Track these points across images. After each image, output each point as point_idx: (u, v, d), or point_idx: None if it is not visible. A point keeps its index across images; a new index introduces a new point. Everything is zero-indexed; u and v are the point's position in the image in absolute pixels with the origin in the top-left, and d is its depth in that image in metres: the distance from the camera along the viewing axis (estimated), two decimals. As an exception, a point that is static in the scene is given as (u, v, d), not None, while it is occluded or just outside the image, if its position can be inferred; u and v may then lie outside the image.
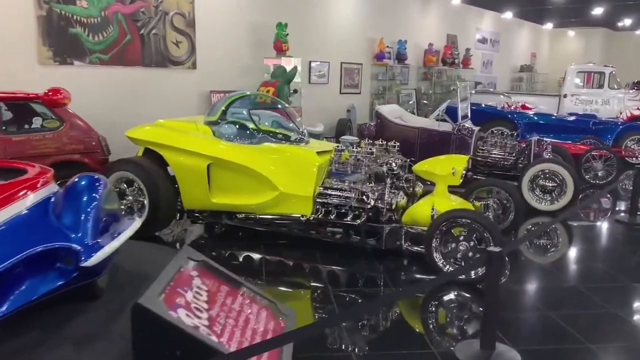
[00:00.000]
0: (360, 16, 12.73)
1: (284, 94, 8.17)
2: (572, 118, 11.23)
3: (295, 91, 9.36)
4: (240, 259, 4.88)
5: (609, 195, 8.02)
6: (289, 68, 9.02)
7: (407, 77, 14.64)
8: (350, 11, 12.39)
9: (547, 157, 7.09)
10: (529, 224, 6.31)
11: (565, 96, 13.39)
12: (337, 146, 5.17)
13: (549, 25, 21.82)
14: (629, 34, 23.52)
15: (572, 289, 4.43)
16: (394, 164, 4.86)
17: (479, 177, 7.30)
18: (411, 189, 5.05)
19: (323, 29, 11.71)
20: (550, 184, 6.64)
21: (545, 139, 8.07)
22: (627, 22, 19.28)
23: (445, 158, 5.09)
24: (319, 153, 5.05)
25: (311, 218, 4.84)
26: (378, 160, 4.91)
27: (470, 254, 4.23)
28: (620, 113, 12.84)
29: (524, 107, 13.82)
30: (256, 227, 5.12)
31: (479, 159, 7.40)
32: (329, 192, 4.82)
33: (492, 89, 14.66)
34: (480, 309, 3.80)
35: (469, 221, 4.16)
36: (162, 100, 8.59)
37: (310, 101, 11.48)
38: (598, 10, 16.26)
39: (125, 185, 5.13)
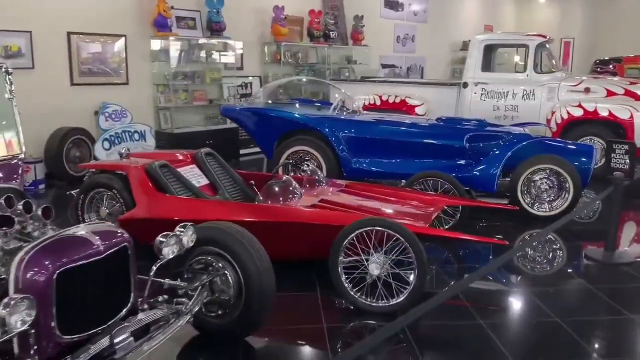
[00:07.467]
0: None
1: None
2: (436, 126, 6.14)
3: None
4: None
5: None
6: None
7: (239, 57, 9.59)
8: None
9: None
10: None
11: (465, 85, 8.15)
12: None
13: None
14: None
15: None
16: None
17: None
18: None
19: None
20: None
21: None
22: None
23: None
24: None
25: None
26: None
27: None
28: (553, 113, 7.62)
29: (403, 104, 8.72)
30: None
31: None
32: None
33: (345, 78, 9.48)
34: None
35: None
36: None
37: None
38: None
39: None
